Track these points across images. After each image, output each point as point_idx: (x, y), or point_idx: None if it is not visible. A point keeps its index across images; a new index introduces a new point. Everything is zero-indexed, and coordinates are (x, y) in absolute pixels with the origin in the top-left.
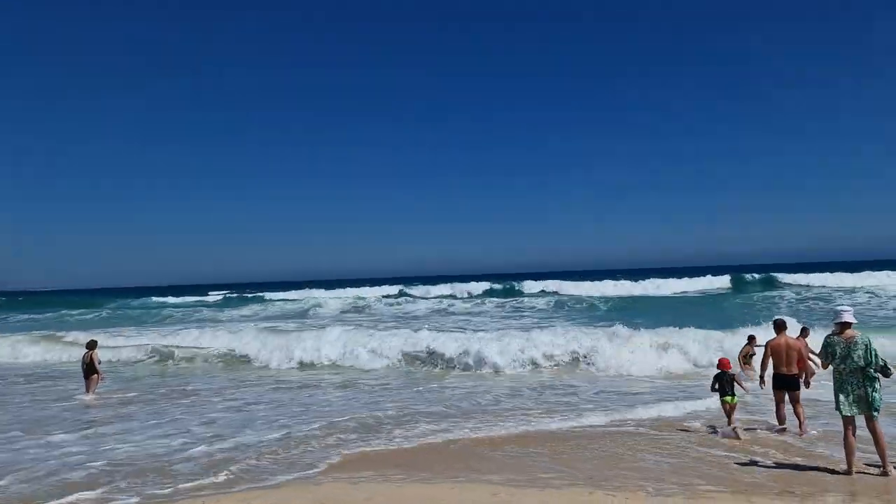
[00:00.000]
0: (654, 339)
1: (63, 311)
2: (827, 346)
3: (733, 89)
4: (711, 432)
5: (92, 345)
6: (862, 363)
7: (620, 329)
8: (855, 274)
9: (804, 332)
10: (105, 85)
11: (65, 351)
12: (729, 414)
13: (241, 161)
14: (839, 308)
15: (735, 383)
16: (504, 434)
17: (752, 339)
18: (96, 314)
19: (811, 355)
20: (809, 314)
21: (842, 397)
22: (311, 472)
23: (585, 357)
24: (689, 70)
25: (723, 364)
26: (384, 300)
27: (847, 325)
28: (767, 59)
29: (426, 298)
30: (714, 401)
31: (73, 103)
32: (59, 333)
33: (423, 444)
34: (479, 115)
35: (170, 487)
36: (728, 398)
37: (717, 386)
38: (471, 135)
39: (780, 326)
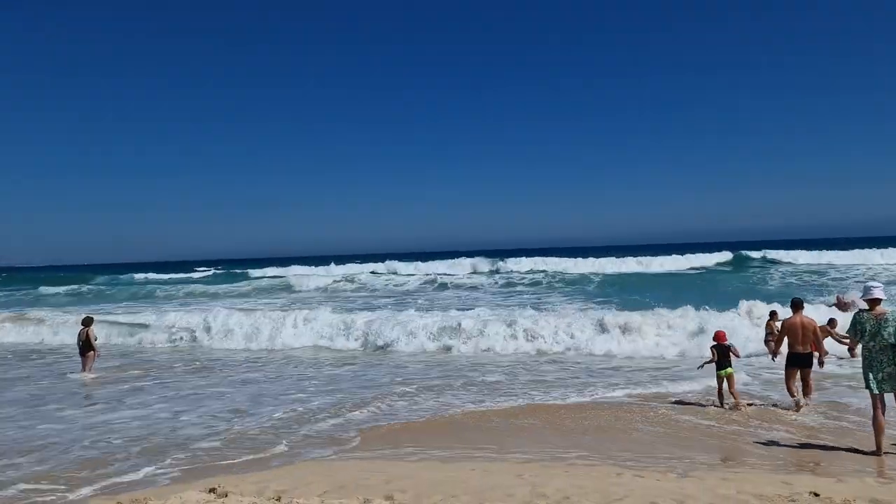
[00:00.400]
0: (653, 319)
1: (42, 288)
2: (856, 323)
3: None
4: (728, 408)
5: (88, 321)
6: (892, 340)
7: (624, 312)
8: (851, 251)
9: (832, 323)
10: (89, 65)
11: (36, 329)
12: (721, 387)
13: (229, 141)
14: (869, 284)
15: (731, 354)
16: (506, 407)
17: (773, 314)
18: (76, 290)
19: (838, 337)
20: (802, 288)
21: (871, 375)
22: (327, 450)
23: (586, 336)
24: (676, 47)
25: (719, 336)
26: (373, 276)
27: (877, 301)
28: (764, 39)
29: (414, 274)
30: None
31: (58, 83)
32: (23, 311)
33: (430, 419)
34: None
35: (188, 465)
36: (724, 371)
37: (713, 359)
38: (465, 119)
39: (796, 305)
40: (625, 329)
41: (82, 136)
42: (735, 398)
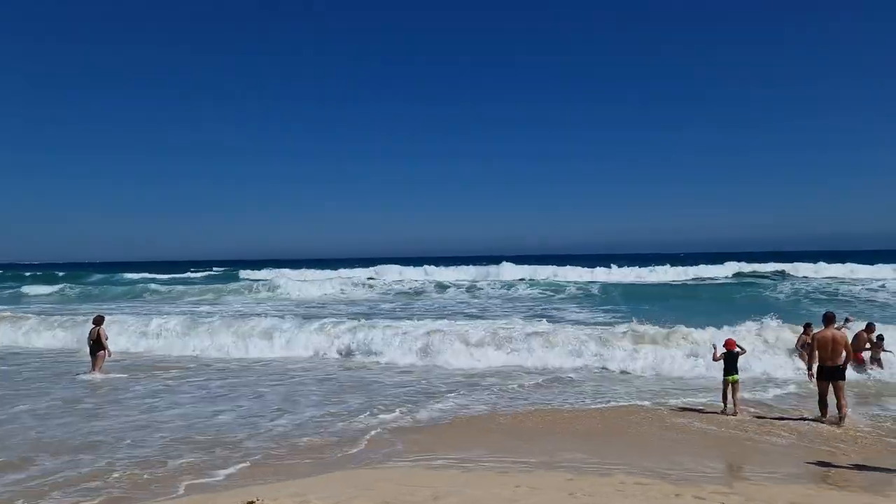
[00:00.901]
0: (670, 333)
1: (25, 287)
2: None
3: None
4: (729, 414)
5: (99, 320)
6: None
7: (643, 325)
8: (862, 265)
9: (870, 328)
10: (86, 68)
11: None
12: (726, 392)
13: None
14: None
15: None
16: (531, 413)
17: (808, 326)
18: (62, 289)
19: (870, 346)
20: (813, 302)
21: None
22: (367, 455)
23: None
24: (681, 57)
25: (729, 344)
26: (369, 280)
27: None
28: (773, 46)
29: (403, 280)
30: (762, 392)
31: (53, 83)
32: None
33: (459, 423)
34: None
35: (231, 470)
36: (731, 377)
37: (720, 356)
38: (451, 123)
39: (829, 319)
40: (642, 341)
41: (80, 137)
42: (735, 406)
